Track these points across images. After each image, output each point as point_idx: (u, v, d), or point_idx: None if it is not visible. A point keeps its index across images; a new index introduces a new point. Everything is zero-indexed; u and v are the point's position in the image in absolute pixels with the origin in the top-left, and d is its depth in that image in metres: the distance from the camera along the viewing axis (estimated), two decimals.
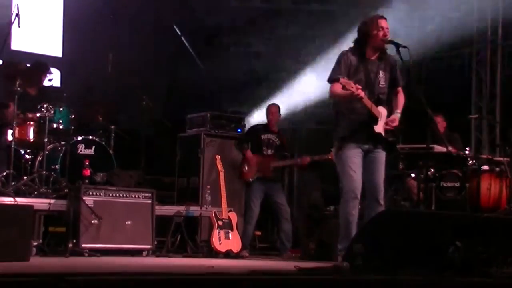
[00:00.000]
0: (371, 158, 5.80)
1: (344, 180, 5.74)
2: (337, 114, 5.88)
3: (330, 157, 7.69)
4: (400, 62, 5.80)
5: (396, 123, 5.82)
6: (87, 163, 7.12)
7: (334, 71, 5.73)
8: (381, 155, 5.84)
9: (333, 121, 5.95)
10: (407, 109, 6.09)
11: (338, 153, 5.82)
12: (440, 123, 8.60)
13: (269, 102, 8.99)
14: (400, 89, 6.02)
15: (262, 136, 8.27)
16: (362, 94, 5.51)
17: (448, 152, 8.00)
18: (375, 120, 5.73)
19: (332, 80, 5.71)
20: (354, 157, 5.72)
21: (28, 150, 7.50)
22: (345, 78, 5.50)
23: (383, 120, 5.79)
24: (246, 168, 8.10)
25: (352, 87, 5.44)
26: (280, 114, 8.55)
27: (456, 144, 8.48)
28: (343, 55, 5.81)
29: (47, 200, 6.70)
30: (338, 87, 5.62)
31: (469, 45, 10.84)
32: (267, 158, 8.18)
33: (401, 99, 6.00)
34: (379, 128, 5.77)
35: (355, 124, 5.76)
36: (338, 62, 5.78)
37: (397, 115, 5.88)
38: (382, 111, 5.79)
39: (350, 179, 5.70)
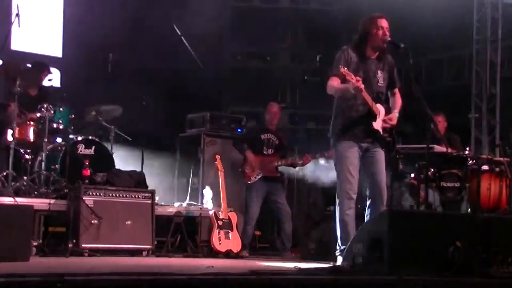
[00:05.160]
0: (370, 158, 5.78)
1: (341, 180, 5.73)
2: (336, 112, 5.86)
3: (330, 155, 7.70)
4: (400, 62, 5.81)
5: (394, 122, 5.81)
6: (87, 163, 7.11)
7: (333, 65, 5.72)
8: (380, 155, 5.82)
9: (331, 118, 5.93)
10: (407, 109, 6.10)
11: (336, 150, 5.81)
12: (441, 122, 8.60)
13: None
14: (397, 90, 6.02)
15: (262, 136, 8.26)
16: (362, 86, 5.49)
17: (447, 153, 8.02)
18: (373, 116, 5.73)
19: (331, 74, 5.71)
20: (352, 157, 5.70)
21: (28, 150, 7.49)
22: (346, 68, 5.50)
23: (381, 118, 5.79)
24: (249, 169, 8.08)
25: (352, 78, 5.43)
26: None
27: (455, 146, 8.47)
28: (343, 51, 5.80)
29: (47, 200, 6.69)
30: (336, 81, 5.62)
31: (469, 45, 10.85)
32: (269, 158, 8.17)
33: (398, 99, 6.01)
34: (377, 125, 5.76)
35: (354, 120, 5.74)
36: (338, 58, 5.76)
37: (395, 114, 5.88)
38: (380, 109, 5.79)
39: (346, 181, 5.68)
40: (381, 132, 5.80)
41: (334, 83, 5.67)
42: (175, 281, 3.67)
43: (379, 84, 5.84)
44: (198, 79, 11.33)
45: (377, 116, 5.75)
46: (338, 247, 5.73)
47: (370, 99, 5.65)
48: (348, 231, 5.61)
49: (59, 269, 4.37)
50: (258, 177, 8.07)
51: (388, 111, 5.90)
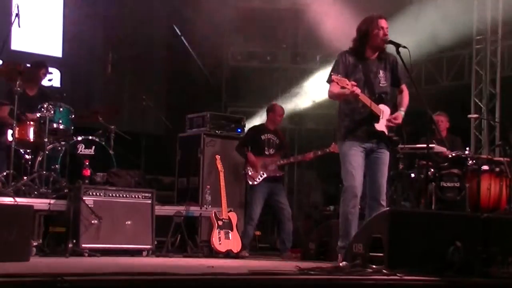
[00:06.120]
0: (374, 158, 5.78)
1: (345, 178, 5.74)
2: (340, 114, 5.87)
3: (332, 150, 7.71)
4: (400, 62, 5.80)
5: (399, 120, 5.78)
6: (87, 163, 7.11)
7: (332, 71, 5.73)
8: (385, 155, 5.82)
9: (336, 123, 5.94)
10: (408, 109, 6.09)
11: (341, 151, 5.82)
12: (444, 123, 8.59)
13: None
14: (404, 87, 5.98)
15: (262, 137, 8.25)
16: (358, 91, 5.49)
17: (447, 154, 8.02)
18: (376, 118, 5.72)
19: (330, 80, 5.71)
20: (355, 155, 5.71)
21: (28, 150, 7.49)
22: (339, 76, 5.50)
23: (386, 118, 5.78)
24: (252, 170, 8.07)
25: (347, 85, 5.44)
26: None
27: (456, 147, 8.47)
28: (341, 55, 5.81)
29: (47, 200, 6.69)
30: (335, 87, 5.63)
31: (469, 45, 10.85)
32: (271, 158, 8.16)
33: (405, 97, 5.96)
34: (380, 126, 5.75)
35: (356, 122, 5.75)
36: (337, 62, 5.78)
37: (400, 112, 5.84)
38: (384, 109, 5.77)
39: (350, 178, 5.69)
40: (386, 133, 5.78)
41: (333, 89, 5.69)
42: (175, 281, 3.67)
43: (381, 84, 5.83)
44: (198, 79, 11.35)
45: (380, 117, 5.74)
46: (338, 243, 5.74)
47: (369, 101, 5.64)
48: (350, 230, 5.61)
49: (59, 269, 4.37)
50: (262, 178, 8.06)
51: (395, 109, 5.89)
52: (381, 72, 5.83)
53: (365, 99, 5.61)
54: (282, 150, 8.32)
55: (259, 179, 8.05)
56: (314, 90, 11.13)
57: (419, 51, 9.28)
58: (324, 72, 6.01)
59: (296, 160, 8.43)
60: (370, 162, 5.79)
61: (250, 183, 8.09)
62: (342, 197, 5.77)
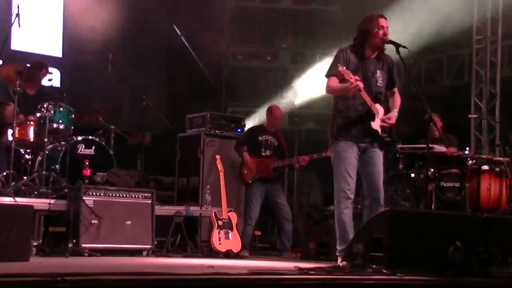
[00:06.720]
0: (368, 158, 5.76)
1: (338, 180, 5.70)
2: (335, 112, 5.85)
3: (328, 154, 7.71)
4: (399, 61, 5.80)
5: (392, 121, 5.78)
6: (87, 163, 7.11)
7: (332, 66, 5.70)
8: (379, 155, 5.80)
9: (330, 119, 5.92)
10: (407, 109, 6.09)
11: (334, 150, 5.79)
12: (437, 122, 8.59)
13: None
14: (396, 89, 6.01)
15: (259, 138, 8.26)
16: (361, 85, 5.45)
17: (446, 153, 8.03)
18: (372, 116, 5.71)
19: (329, 74, 5.69)
20: (350, 157, 5.68)
21: (28, 150, 7.50)
22: (344, 67, 5.48)
23: (380, 118, 5.77)
24: (246, 170, 8.10)
25: (351, 78, 5.41)
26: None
27: (452, 144, 8.47)
28: (342, 51, 5.78)
29: (47, 200, 6.69)
30: (334, 81, 5.60)
31: (469, 45, 10.85)
32: (266, 159, 8.17)
33: (397, 99, 5.98)
34: (376, 125, 5.74)
35: (352, 120, 5.72)
36: (337, 58, 5.73)
37: (394, 113, 5.86)
38: (379, 109, 5.78)
39: (343, 181, 5.65)
40: (380, 132, 5.77)
41: (332, 83, 5.66)
42: (175, 281, 3.67)
43: (378, 84, 5.82)
44: (198, 79, 11.35)
45: (376, 116, 5.74)
46: (337, 247, 5.73)
47: (369, 99, 5.63)
48: (346, 231, 5.60)
49: (59, 269, 4.37)
50: (255, 179, 8.08)
51: (388, 111, 5.89)
52: (378, 72, 5.83)
53: (365, 95, 5.59)
54: (279, 152, 8.31)
55: (252, 179, 8.08)
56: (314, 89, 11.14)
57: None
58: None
59: (291, 163, 8.38)
60: (364, 162, 5.76)
61: (245, 182, 8.12)
62: (335, 199, 5.74)
